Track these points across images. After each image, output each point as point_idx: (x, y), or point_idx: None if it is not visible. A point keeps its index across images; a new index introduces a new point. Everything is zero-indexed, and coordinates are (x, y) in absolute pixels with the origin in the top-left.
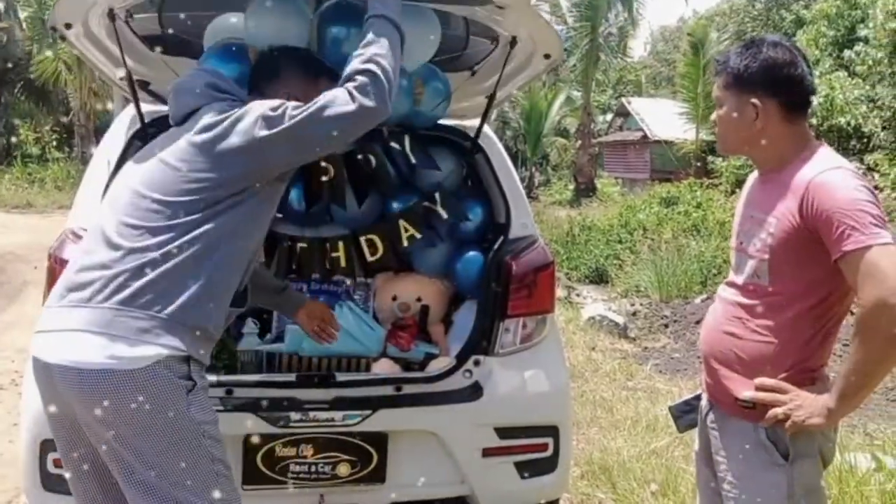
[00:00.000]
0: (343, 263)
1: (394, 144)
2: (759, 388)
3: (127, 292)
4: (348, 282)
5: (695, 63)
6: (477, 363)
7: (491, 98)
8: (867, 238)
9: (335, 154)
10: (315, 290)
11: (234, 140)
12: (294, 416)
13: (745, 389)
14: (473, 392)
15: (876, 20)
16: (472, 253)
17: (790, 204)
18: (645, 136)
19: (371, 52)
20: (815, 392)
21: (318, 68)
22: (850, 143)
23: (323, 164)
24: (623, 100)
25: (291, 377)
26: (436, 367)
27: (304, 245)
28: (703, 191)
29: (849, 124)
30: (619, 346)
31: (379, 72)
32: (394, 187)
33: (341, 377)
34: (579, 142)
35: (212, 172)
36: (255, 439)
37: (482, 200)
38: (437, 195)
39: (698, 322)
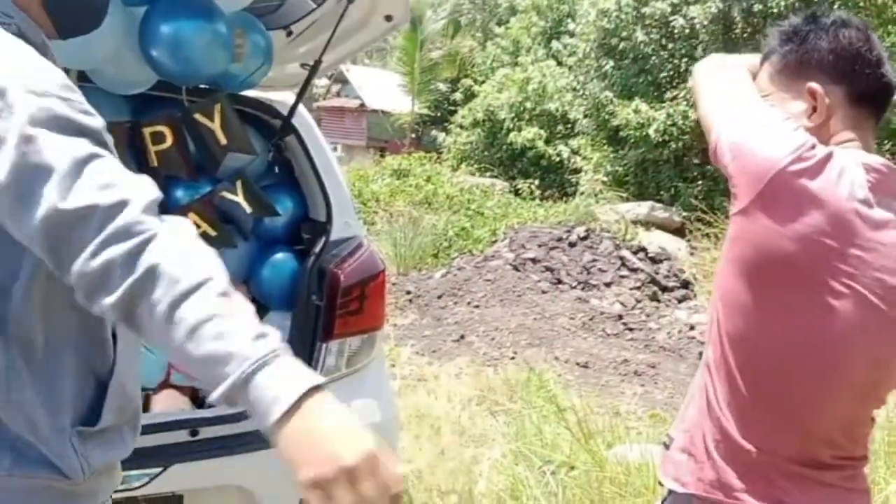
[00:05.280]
0: None
1: (199, 117)
2: None
3: None
4: None
5: (412, 38)
6: None
7: (314, 67)
8: None
9: (120, 123)
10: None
11: None
12: None
13: None
14: None
15: (588, 16)
16: (281, 255)
17: None
18: (363, 105)
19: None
20: None
21: None
22: (558, 127)
23: None
24: (342, 67)
25: None
26: None
27: None
28: (432, 164)
29: (557, 110)
30: None
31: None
32: (187, 170)
33: None
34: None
35: None
36: None
37: (294, 192)
38: (237, 184)
39: (441, 296)
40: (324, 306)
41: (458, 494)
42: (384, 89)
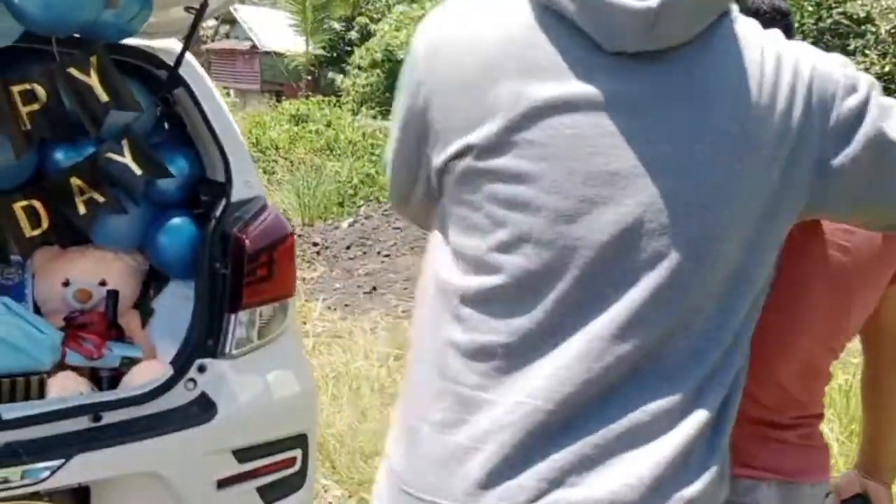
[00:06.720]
0: None
1: (74, 72)
2: None
3: None
4: None
5: None
6: (202, 369)
7: (201, 9)
8: None
9: None
10: None
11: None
12: None
13: None
14: (203, 410)
15: None
16: (178, 220)
17: None
18: (254, 46)
19: None
20: None
21: None
22: None
23: None
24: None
25: None
26: (142, 377)
27: None
28: (332, 109)
29: None
30: None
31: None
32: (64, 132)
33: (8, 411)
34: None
35: None
36: None
37: (187, 150)
38: (124, 143)
39: (349, 247)
40: (229, 274)
41: (382, 457)
42: (276, 29)
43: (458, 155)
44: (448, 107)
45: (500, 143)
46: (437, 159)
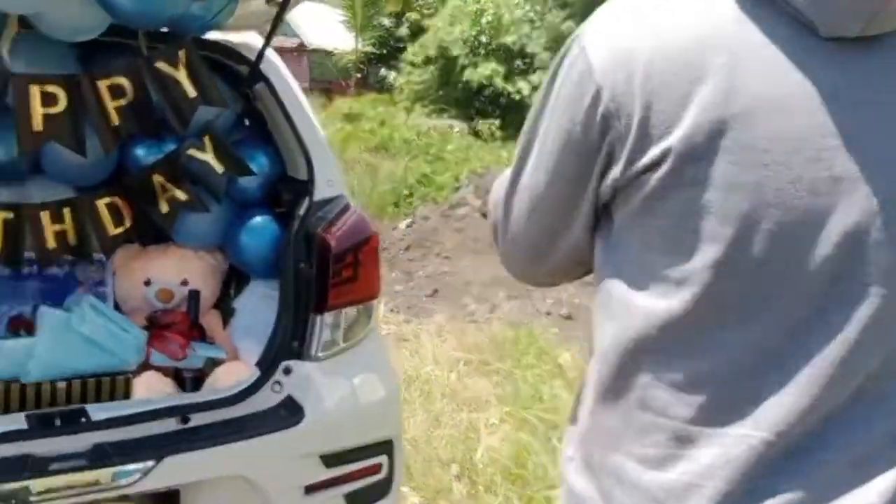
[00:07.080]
0: (73, 240)
1: (162, 66)
2: None
3: None
4: (71, 265)
5: None
6: (288, 371)
7: (284, 2)
8: None
9: (68, 76)
10: (27, 277)
11: None
12: (35, 484)
13: None
14: (290, 413)
15: None
16: (260, 219)
17: None
18: (302, 44)
19: None
20: None
21: None
22: (516, 62)
23: (50, 88)
24: None
25: (19, 420)
26: (225, 378)
27: (9, 215)
28: (385, 107)
29: (514, 44)
30: None
31: None
32: (151, 127)
33: (97, 412)
34: None
35: None
36: None
37: (268, 148)
38: (206, 140)
39: (408, 248)
40: (314, 275)
41: (459, 464)
42: (324, 25)
43: (656, 164)
44: (642, 110)
45: (710, 149)
46: (624, 172)
